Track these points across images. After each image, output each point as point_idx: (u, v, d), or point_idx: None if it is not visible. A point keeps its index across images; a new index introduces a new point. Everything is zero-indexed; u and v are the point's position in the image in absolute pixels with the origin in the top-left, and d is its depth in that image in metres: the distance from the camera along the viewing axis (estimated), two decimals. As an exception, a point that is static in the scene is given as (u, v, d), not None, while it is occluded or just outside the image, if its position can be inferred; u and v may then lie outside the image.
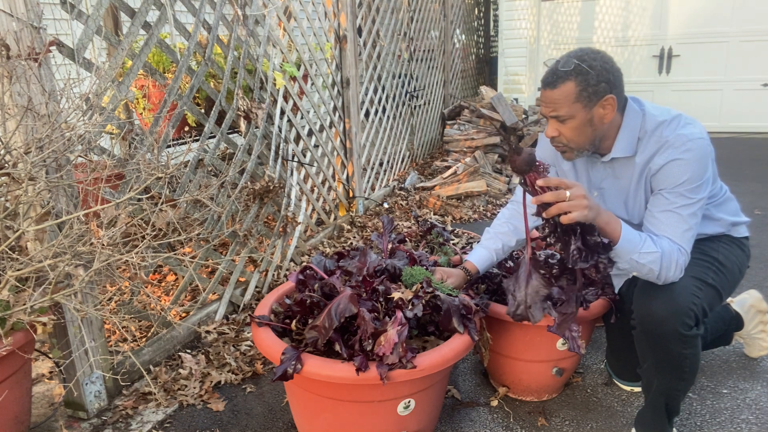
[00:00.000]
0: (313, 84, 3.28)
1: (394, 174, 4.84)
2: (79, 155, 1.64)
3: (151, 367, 2.09)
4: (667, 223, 1.48)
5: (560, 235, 1.39)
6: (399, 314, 1.45)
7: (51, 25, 1.73)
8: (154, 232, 1.57)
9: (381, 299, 1.54)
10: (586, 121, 1.50)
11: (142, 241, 1.54)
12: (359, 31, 3.82)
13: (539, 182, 1.35)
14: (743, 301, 2.04)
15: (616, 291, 1.82)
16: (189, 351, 2.23)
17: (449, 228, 2.84)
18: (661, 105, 1.61)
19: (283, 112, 2.91)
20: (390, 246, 1.96)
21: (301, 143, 3.15)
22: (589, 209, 1.33)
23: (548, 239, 1.41)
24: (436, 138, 6.04)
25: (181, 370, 2.08)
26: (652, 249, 1.42)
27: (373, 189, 4.30)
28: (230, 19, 2.49)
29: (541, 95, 1.53)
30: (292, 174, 2.99)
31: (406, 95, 5.03)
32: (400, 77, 4.86)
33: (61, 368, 1.79)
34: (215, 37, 2.35)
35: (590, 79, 1.45)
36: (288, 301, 1.70)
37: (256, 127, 2.63)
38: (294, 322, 1.59)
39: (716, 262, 1.58)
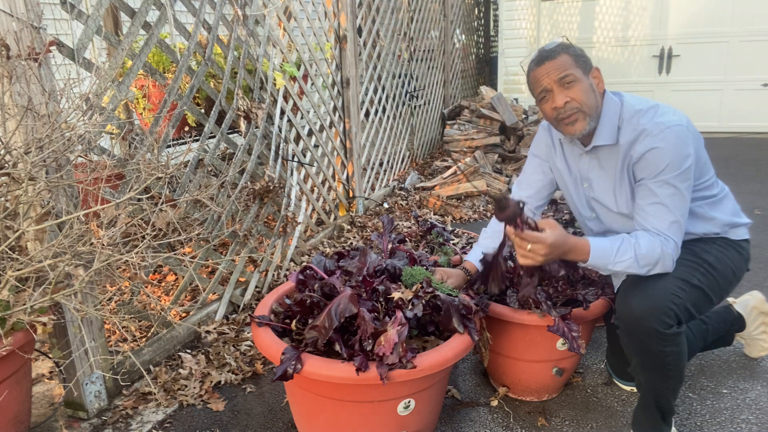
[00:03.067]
0: (313, 84, 3.28)
1: (394, 174, 4.84)
2: (79, 155, 1.64)
3: (151, 367, 2.09)
4: (654, 215, 1.50)
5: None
6: (399, 314, 1.45)
7: (51, 25, 1.73)
8: (154, 232, 1.57)
9: (381, 299, 1.54)
10: (588, 87, 1.56)
11: (142, 241, 1.54)
12: (359, 31, 3.82)
13: (512, 234, 1.48)
14: (746, 303, 2.04)
15: (616, 291, 1.82)
16: (189, 351, 2.23)
17: (449, 228, 2.84)
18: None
19: (283, 112, 2.91)
20: (390, 246, 1.96)
21: (301, 143, 3.15)
22: (545, 257, 1.45)
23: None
24: (436, 138, 6.04)
25: (181, 370, 2.08)
26: (625, 257, 1.48)
27: (373, 189, 4.30)
28: (230, 19, 2.49)
29: (540, 70, 1.57)
30: (292, 174, 2.99)
31: (406, 95, 5.03)
32: (400, 77, 4.86)
33: (61, 368, 1.79)
34: (215, 37, 2.35)
35: (576, 50, 1.58)
36: (288, 301, 1.70)
37: (256, 127, 2.63)
38: (294, 322, 1.59)
39: (705, 264, 1.57)
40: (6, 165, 1.45)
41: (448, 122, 5.69)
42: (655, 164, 1.49)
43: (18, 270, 1.40)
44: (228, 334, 2.35)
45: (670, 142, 1.47)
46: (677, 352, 1.48)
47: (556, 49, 1.56)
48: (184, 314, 2.39)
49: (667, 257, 1.48)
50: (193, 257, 2.29)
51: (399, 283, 1.70)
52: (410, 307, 1.51)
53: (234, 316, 2.53)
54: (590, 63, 1.59)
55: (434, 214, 4.05)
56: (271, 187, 2.66)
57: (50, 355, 1.79)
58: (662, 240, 1.47)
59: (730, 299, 2.07)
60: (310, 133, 3.30)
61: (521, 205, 1.42)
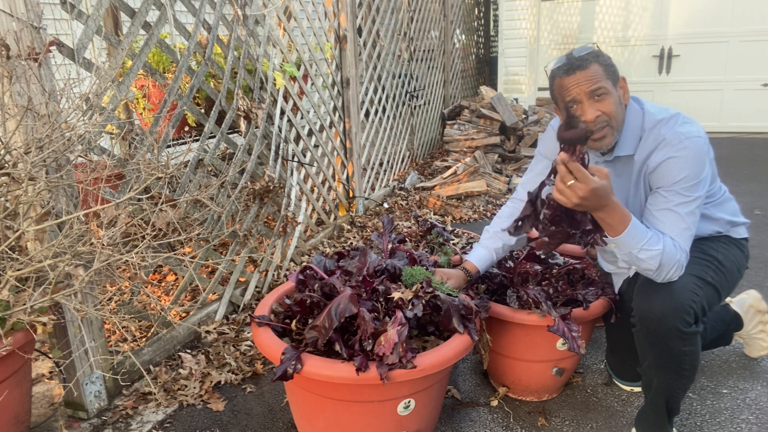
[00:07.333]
0: (313, 84, 3.28)
1: (394, 174, 4.84)
2: (79, 155, 1.64)
3: (151, 367, 2.09)
4: (665, 221, 1.48)
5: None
6: (399, 314, 1.45)
7: (51, 25, 1.73)
8: (154, 232, 1.57)
9: (381, 299, 1.54)
10: (617, 99, 1.53)
11: (142, 241, 1.54)
12: (359, 31, 3.81)
13: (563, 158, 1.35)
14: (742, 301, 2.05)
15: (616, 291, 1.82)
16: (189, 351, 2.23)
17: (449, 228, 2.84)
18: (661, 105, 1.62)
19: (283, 112, 2.91)
20: (390, 246, 1.96)
21: (301, 143, 3.15)
22: (581, 200, 1.34)
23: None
24: (436, 138, 6.04)
25: (181, 370, 2.08)
26: (654, 247, 1.42)
27: (373, 189, 4.30)
28: (230, 19, 2.49)
29: (570, 79, 1.51)
30: (292, 174, 2.99)
31: (406, 95, 5.03)
32: (400, 77, 4.86)
33: (61, 368, 1.79)
34: (215, 37, 2.35)
35: (607, 59, 1.53)
36: (288, 301, 1.70)
37: (256, 127, 2.63)
38: (294, 322, 1.59)
39: (716, 261, 1.59)
40: (6, 165, 1.45)
41: (448, 122, 5.68)
42: (673, 174, 1.47)
43: (18, 270, 1.40)
44: (228, 334, 2.35)
45: (689, 152, 1.46)
46: (694, 351, 1.48)
47: (587, 57, 1.50)
48: (184, 314, 2.39)
49: (681, 265, 1.46)
50: (193, 257, 2.29)
51: (399, 283, 1.70)
52: (410, 307, 1.51)
53: (234, 316, 2.53)
54: (618, 73, 1.55)
55: (434, 214, 4.05)
56: (271, 187, 2.66)
57: (50, 355, 1.79)
58: (679, 247, 1.46)
59: (726, 299, 2.07)
60: (310, 133, 3.30)
61: (588, 135, 1.35)
